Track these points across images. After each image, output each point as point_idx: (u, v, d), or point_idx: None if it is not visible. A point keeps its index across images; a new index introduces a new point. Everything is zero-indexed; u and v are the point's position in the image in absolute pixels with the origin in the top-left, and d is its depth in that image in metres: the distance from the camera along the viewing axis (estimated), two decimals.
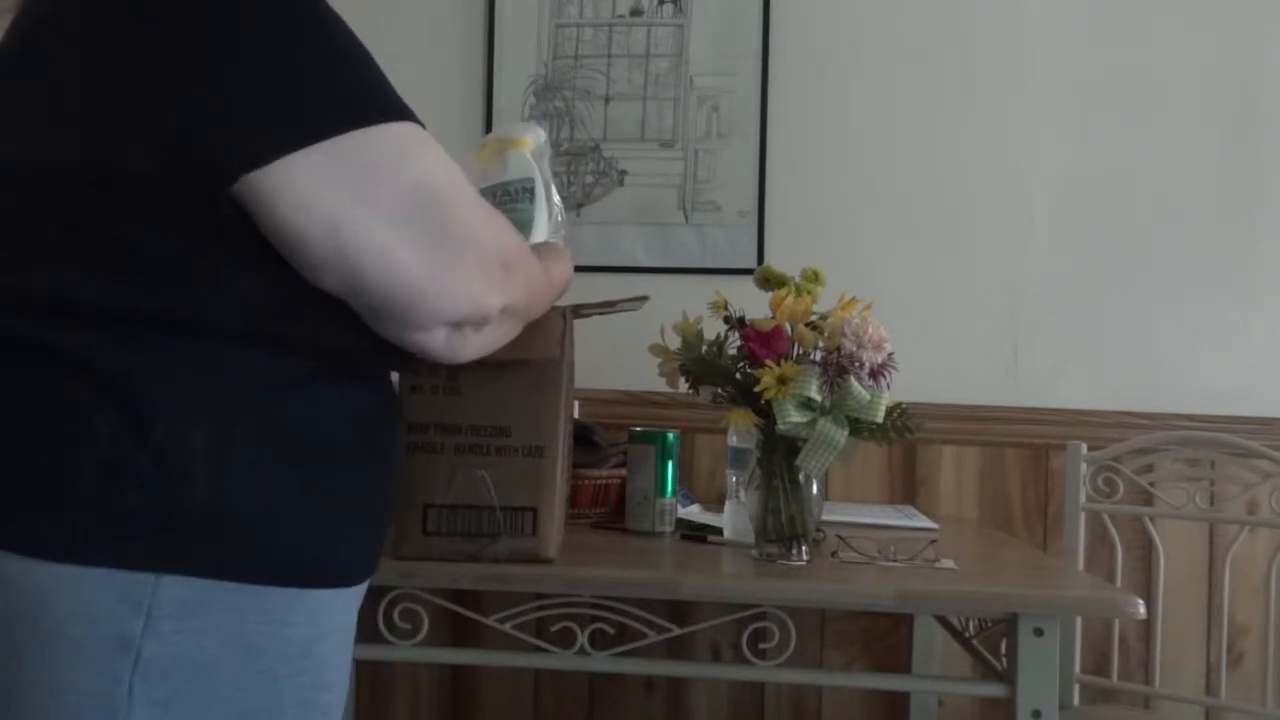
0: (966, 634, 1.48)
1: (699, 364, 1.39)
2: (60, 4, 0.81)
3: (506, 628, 1.33)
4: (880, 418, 1.28)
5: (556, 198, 1.23)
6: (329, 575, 0.82)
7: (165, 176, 0.74)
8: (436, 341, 0.86)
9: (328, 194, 0.76)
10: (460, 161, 1.11)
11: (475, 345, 0.89)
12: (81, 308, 0.75)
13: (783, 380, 1.30)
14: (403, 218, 0.79)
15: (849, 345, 1.29)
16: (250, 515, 0.76)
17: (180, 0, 0.77)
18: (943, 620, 1.59)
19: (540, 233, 1.18)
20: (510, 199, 1.18)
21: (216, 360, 0.77)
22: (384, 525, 0.91)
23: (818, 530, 1.40)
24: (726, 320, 1.40)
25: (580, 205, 2.08)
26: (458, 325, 0.86)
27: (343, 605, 0.84)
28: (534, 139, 1.24)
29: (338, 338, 0.82)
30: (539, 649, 1.41)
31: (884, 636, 2.00)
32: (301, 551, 0.79)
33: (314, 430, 0.81)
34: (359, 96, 0.79)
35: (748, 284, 1.45)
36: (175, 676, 0.73)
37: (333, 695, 0.84)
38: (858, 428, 1.29)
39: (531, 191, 1.19)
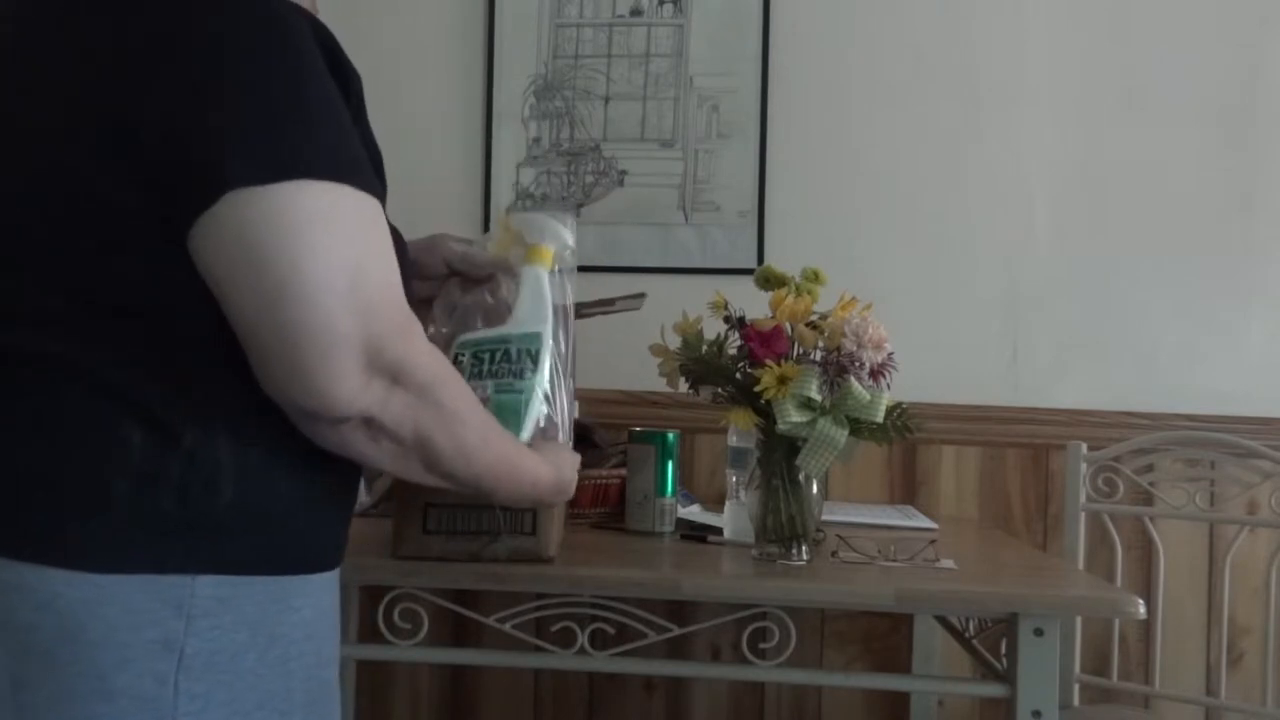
0: (966, 634, 1.48)
1: (699, 364, 1.39)
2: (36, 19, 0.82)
3: (506, 627, 1.33)
4: (880, 418, 1.28)
5: (573, 321, 1.00)
6: (324, 560, 0.88)
7: (154, 197, 0.76)
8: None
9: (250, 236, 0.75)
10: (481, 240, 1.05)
11: (334, 443, 0.81)
12: (98, 331, 0.77)
13: (783, 380, 1.30)
14: (280, 297, 0.75)
15: (849, 345, 1.29)
16: (266, 512, 0.81)
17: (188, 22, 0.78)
18: (943, 620, 1.59)
19: (529, 426, 0.95)
20: (509, 365, 0.96)
21: (222, 374, 0.80)
22: (352, 509, 0.95)
23: (818, 530, 1.40)
24: (726, 320, 1.40)
25: (580, 205, 2.08)
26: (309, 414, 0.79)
27: (331, 586, 0.89)
28: (558, 245, 1.01)
29: None
30: (539, 649, 1.41)
31: (884, 636, 2.00)
32: (304, 539, 0.85)
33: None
34: (319, 150, 0.78)
35: (748, 284, 1.44)
36: (212, 670, 0.78)
37: (331, 673, 0.89)
38: (858, 428, 1.29)
39: (535, 357, 0.96)
